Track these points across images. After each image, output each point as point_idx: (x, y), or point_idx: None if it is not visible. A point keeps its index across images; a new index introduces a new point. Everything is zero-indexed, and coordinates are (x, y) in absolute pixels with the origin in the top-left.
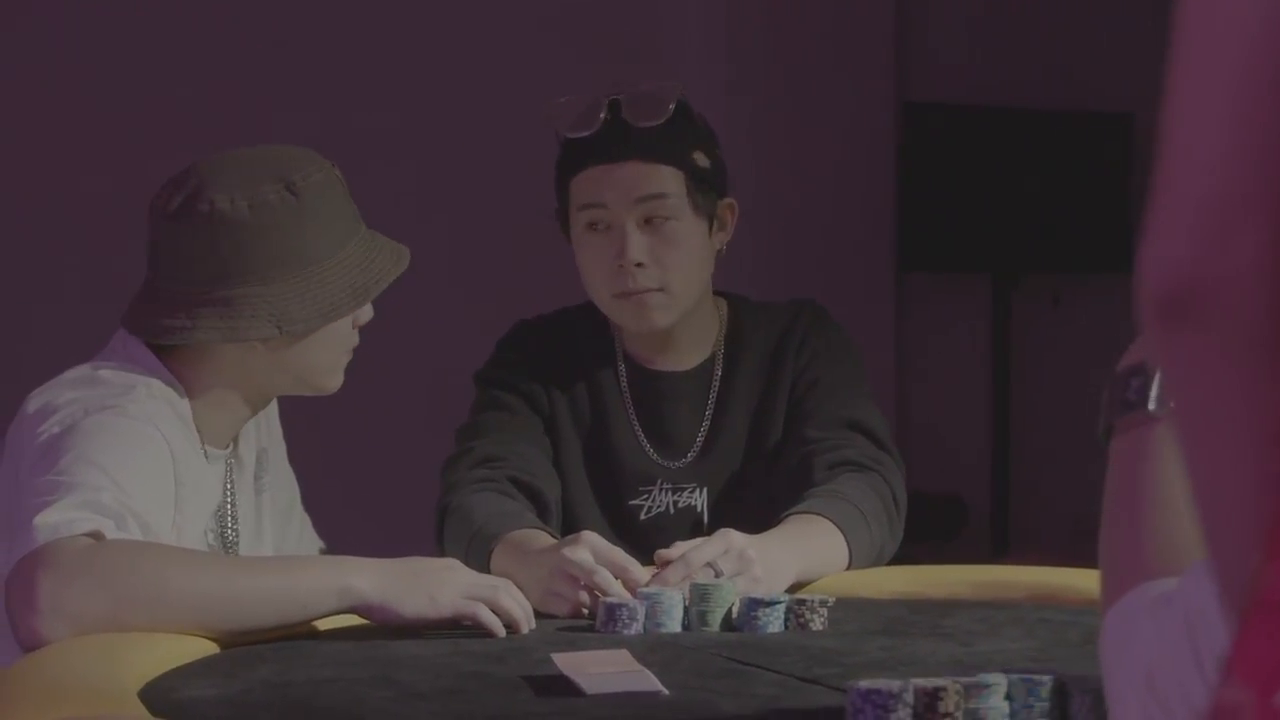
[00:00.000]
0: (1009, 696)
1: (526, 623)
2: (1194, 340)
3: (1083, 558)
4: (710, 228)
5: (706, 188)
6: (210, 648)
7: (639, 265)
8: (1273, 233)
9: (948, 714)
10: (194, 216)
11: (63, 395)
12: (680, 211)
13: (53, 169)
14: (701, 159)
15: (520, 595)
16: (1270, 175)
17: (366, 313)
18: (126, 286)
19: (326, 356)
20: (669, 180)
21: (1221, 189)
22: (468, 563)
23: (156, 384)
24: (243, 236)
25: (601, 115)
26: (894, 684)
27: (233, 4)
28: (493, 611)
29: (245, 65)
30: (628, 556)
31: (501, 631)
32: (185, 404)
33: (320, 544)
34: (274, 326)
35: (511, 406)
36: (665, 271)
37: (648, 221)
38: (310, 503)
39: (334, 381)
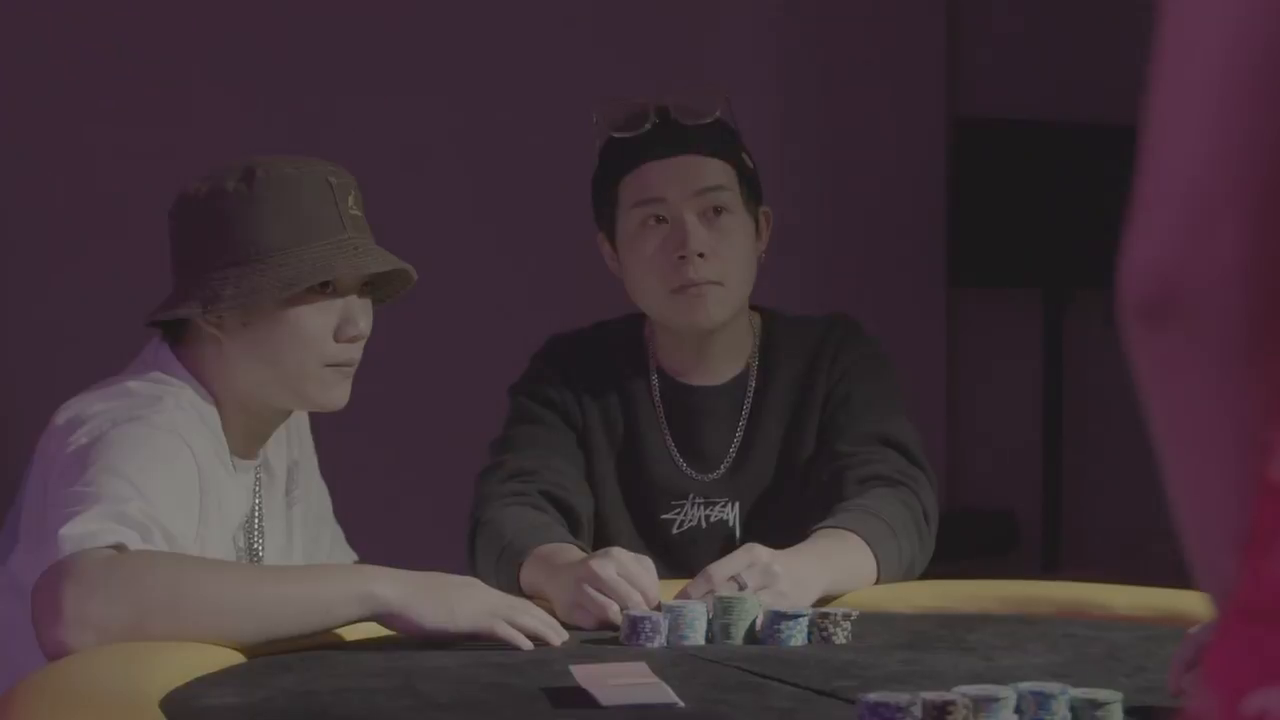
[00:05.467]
0: (1019, 710)
1: (558, 636)
2: (1173, 342)
3: (1135, 574)
4: (756, 230)
5: (753, 187)
6: (235, 658)
7: (700, 256)
8: (1250, 233)
9: None
10: (175, 204)
11: (91, 407)
12: (735, 205)
13: (92, 175)
14: (747, 160)
15: (541, 613)
16: (1246, 175)
17: (356, 325)
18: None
19: (294, 357)
20: (723, 174)
21: (1199, 190)
22: (497, 576)
23: (186, 394)
24: (199, 222)
25: (650, 118)
26: (902, 697)
27: (277, 13)
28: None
29: (290, 75)
30: (651, 573)
31: (525, 643)
32: (214, 413)
33: (353, 556)
34: (200, 305)
35: (545, 420)
36: (724, 264)
37: (704, 215)
38: (343, 515)
39: (323, 393)
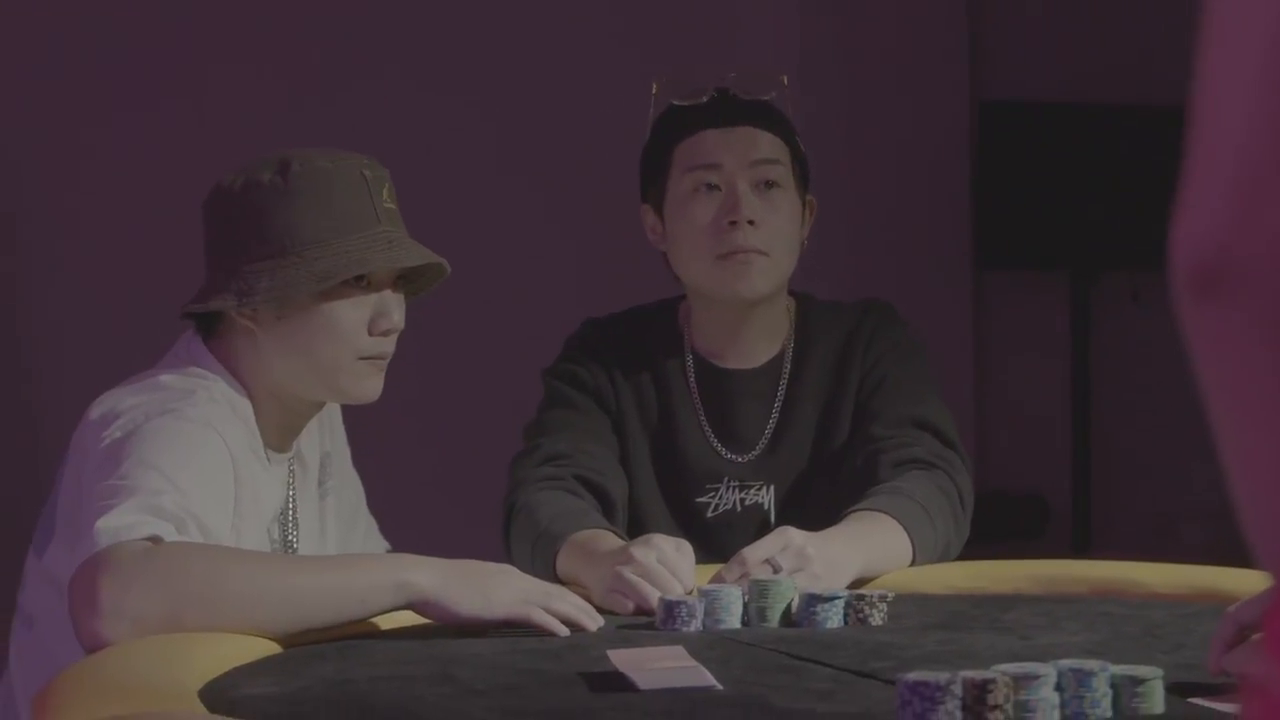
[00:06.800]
0: (1059, 687)
1: (593, 621)
2: (1225, 315)
3: (1165, 554)
4: (802, 213)
5: (804, 171)
6: (271, 648)
7: (750, 223)
8: None
9: (997, 706)
10: (209, 197)
11: (125, 401)
12: (787, 182)
13: (115, 169)
14: (800, 144)
15: (576, 599)
16: None
17: (390, 318)
18: (191, 288)
19: (328, 351)
20: (778, 149)
21: (1251, 163)
22: (533, 561)
23: (219, 386)
24: (233, 215)
25: (709, 91)
26: (942, 676)
27: (303, 7)
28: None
29: (312, 69)
30: (690, 559)
31: (561, 629)
32: (247, 405)
33: (386, 546)
34: (234, 298)
35: (579, 404)
36: (772, 235)
37: (756, 186)
38: (376, 505)
39: (356, 385)
